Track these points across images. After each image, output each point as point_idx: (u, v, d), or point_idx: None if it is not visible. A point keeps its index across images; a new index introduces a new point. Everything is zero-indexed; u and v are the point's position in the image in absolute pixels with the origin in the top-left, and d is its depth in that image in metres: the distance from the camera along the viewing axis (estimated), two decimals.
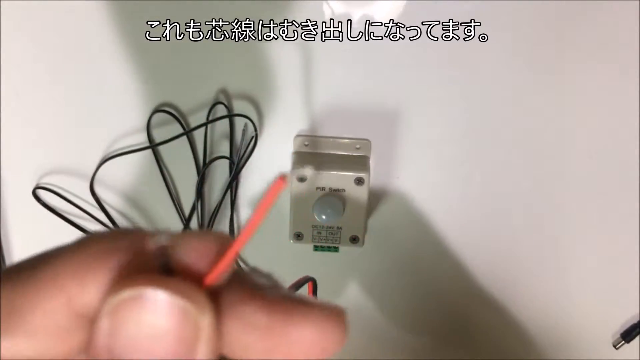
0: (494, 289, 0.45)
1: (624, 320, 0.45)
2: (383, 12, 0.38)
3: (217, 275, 0.13)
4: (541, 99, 0.40)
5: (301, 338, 0.13)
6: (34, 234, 0.45)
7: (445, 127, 0.41)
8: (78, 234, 0.46)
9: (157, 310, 0.12)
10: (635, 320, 0.44)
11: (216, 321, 0.13)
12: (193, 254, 0.13)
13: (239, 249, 0.13)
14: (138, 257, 0.13)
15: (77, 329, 0.13)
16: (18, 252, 0.45)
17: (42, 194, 0.43)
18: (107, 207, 0.43)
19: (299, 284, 0.27)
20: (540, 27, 0.38)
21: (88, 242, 0.14)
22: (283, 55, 0.39)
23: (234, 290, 0.14)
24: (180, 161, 0.42)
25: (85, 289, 0.13)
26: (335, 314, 0.13)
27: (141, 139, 0.42)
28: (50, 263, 0.13)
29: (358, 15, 0.38)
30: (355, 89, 0.40)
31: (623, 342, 0.44)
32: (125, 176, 0.43)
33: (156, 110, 0.41)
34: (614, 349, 0.45)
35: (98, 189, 0.43)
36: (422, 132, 0.41)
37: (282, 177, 0.13)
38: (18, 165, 0.43)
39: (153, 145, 0.42)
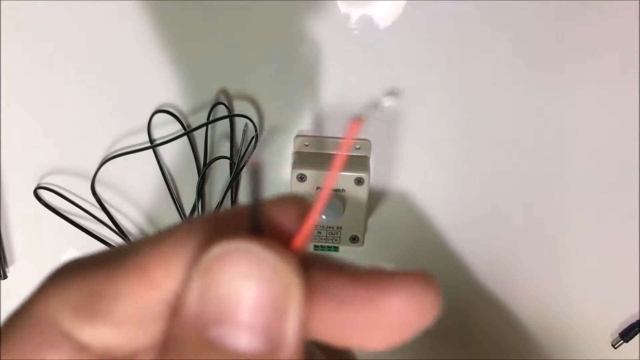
0: (493, 289, 0.45)
1: (622, 319, 0.45)
2: (383, 12, 0.38)
3: (303, 237, 0.13)
4: (541, 99, 0.40)
5: (398, 307, 0.13)
6: (35, 234, 0.45)
7: (445, 127, 0.41)
8: (79, 234, 0.46)
9: (249, 264, 0.12)
10: (634, 320, 0.44)
11: (306, 289, 0.12)
12: (280, 215, 0.13)
13: (321, 208, 0.13)
14: (224, 228, 0.13)
15: (159, 318, 0.13)
16: (19, 251, 0.45)
17: (43, 193, 0.43)
18: (108, 207, 0.43)
19: None
20: (540, 27, 0.38)
21: (169, 229, 0.13)
22: (283, 56, 0.39)
23: (318, 268, 0.13)
24: (181, 161, 0.43)
25: (171, 273, 0.13)
26: (427, 279, 0.13)
27: (142, 139, 0.42)
28: (134, 251, 0.13)
29: (358, 15, 0.38)
30: (355, 89, 0.40)
31: (622, 341, 0.44)
32: (126, 176, 0.43)
33: (157, 111, 0.41)
34: (612, 348, 0.45)
35: (99, 189, 0.43)
36: (422, 132, 0.41)
37: (356, 120, 0.11)
38: (19, 165, 0.43)
39: (154, 146, 0.42)
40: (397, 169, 0.42)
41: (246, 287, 0.12)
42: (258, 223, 0.13)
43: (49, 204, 0.43)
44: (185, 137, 0.41)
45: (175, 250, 0.13)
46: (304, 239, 0.13)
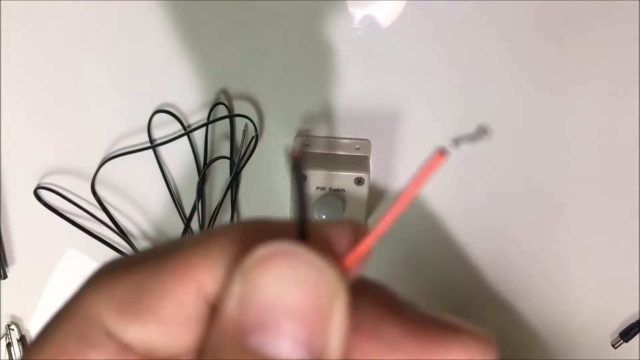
0: (494, 289, 0.45)
1: (622, 319, 0.45)
2: (383, 12, 0.38)
3: (354, 258, 0.12)
4: (541, 99, 0.40)
5: None
6: (35, 234, 0.45)
7: (445, 127, 0.41)
8: (79, 234, 0.46)
9: (296, 267, 0.11)
10: (634, 320, 0.44)
11: (352, 302, 0.12)
12: (331, 233, 0.13)
13: (380, 235, 0.12)
14: (273, 234, 0.12)
15: (202, 320, 0.12)
16: (20, 251, 0.45)
17: (43, 193, 0.43)
18: (108, 207, 0.43)
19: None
20: (540, 27, 0.38)
21: (217, 230, 0.13)
22: (283, 56, 0.39)
23: (370, 306, 0.13)
24: (181, 161, 0.43)
25: (215, 275, 0.12)
26: (485, 340, 0.12)
27: (142, 139, 0.42)
28: (181, 249, 0.13)
29: (360, 15, 0.38)
30: (355, 89, 0.40)
31: (622, 341, 0.44)
32: (126, 176, 0.43)
33: (157, 111, 0.41)
34: (612, 348, 0.45)
35: (99, 189, 0.43)
36: (422, 132, 0.41)
37: (441, 152, 0.11)
38: (19, 165, 0.43)
39: (154, 145, 0.42)
40: (397, 169, 0.42)
41: (290, 292, 0.11)
42: (305, 228, 0.12)
43: (49, 204, 0.43)
44: (185, 137, 0.41)
45: (222, 251, 0.12)
46: (355, 260, 0.12)
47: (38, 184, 0.43)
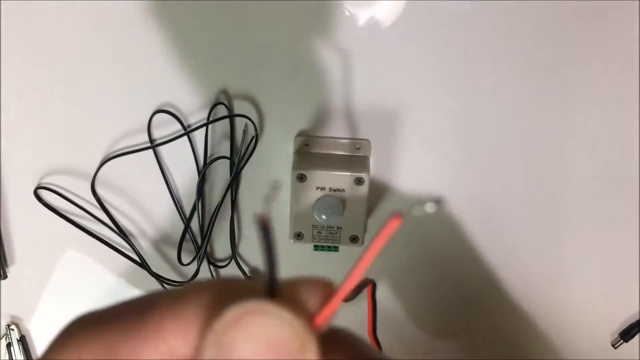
0: (493, 289, 0.45)
1: (622, 319, 0.45)
2: (383, 12, 0.38)
3: (325, 318, 0.13)
4: (541, 98, 0.40)
5: None
6: (35, 234, 0.45)
7: (445, 127, 0.41)
8: (79, 234, 0.46)
9: (265, 325, 0.12)
10: (634, 320, 0.44)
11: (321, 350, 0.12)
12: (302, 291, 0.13)
13: (348, 292, 0.13)
14: (240, 295, 0.13)
15: None
16: (19, 252, 0.45)
17: (43, 193, 0.43)
18: (108, 207, 0.43)
19: (359, 288, 0.24)
20: (540, 27, 0.38)
21: (188, 290, 0.13)
22: (283, 56, 0.39)
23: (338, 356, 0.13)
24: (181, 161, 0.43)
25: (188, 339, 0.13)
26: None
27: (142, 139, 0.42)
28: (152, 310, 0.13)
29: (360, 15, 0.38)
30: (355, 89, 0.40)
31: (622, 341, 0.44)
32: (126, 176, 0.43)
33: (157, 111, 0.41)
34: (612, 348, 0.45)
35: (99, 189, 0.43)
36: (422, 132, 0.41)
37: (397, 215, 0.12)
38: (19, 165, 0.43)
39: (154, 145, 0.42)
40: (397, 169, 0.42)
41: (263, 349, 0.12)
42: (274, 287, 0.13)
43: (49, 204, 0.43)
44: (185, 137, 0.41)
45: (194, 313, 0.13)
46: (324, 318, 0.13)
47: (38, 184, 0.43)
